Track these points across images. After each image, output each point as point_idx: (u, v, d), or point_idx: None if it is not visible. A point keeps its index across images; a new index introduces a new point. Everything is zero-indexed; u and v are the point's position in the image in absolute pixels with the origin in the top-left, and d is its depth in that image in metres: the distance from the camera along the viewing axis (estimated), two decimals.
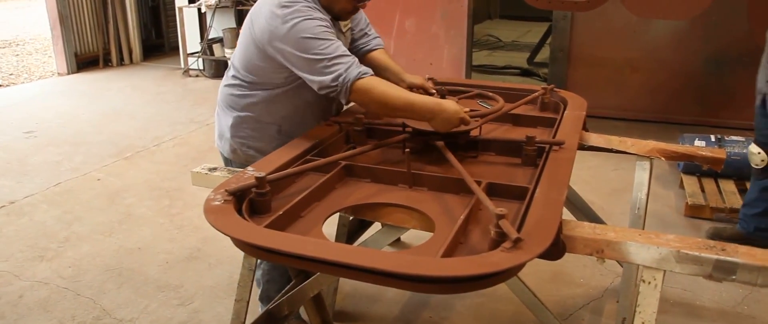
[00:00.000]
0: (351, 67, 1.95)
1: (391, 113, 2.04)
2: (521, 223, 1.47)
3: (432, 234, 1.53)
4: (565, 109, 2.39)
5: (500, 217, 1.36)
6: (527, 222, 1.44)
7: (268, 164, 1.81)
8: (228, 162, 2.36)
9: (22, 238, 3.52)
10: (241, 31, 2.23)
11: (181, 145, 5.14)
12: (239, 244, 1.45)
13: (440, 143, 1.95)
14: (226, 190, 1.59)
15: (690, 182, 3.94)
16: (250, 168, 1.80)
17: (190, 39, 7.77)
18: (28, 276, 3.12)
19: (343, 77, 1.93)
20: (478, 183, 1.69)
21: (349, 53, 1.99)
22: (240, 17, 7.57)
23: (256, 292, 2.52)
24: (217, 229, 1.43)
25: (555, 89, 2.56)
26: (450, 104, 1.96)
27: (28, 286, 3.02)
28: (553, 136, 2.07)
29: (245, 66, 2.19)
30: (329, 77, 1.94)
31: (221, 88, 2.34)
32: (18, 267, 3.20)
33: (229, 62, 2.32)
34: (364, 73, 1.95)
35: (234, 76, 2.26)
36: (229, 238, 1.45)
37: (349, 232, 2.65)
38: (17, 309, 2.84)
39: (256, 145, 2.26)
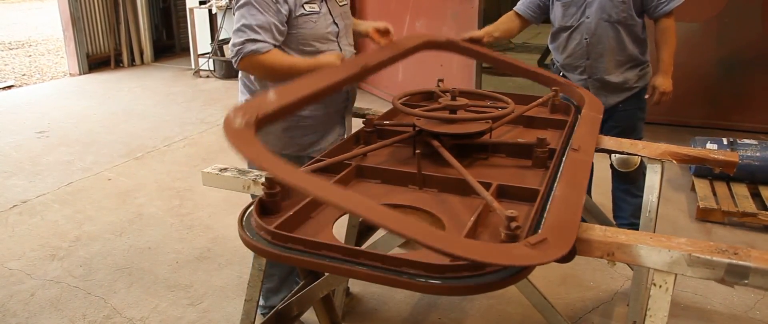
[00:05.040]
0: (253, 41, 2.12)
1: (281, 78, 2.13)
2: (532, 225, 1.46)
3: None
4: (576, 112, 2.38)
5: (511, 219, 1.36)
6: (548, 223, 1.43)
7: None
8: None
9: (34, 237, 3.55)
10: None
11: (192, 146, 5.16)
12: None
13: (435, 143, 1.94)
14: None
15: (701, 185, 3.91)
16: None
17: (201, 40, 7.81)
18: (39, 275, 3.14)
19: (238, 48, 2.13)
20: (489, 185, 1.69)
21: (271, 28, 2.14)
22: None
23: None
24: (239, 153, 1.35)
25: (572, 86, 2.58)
26: (326, 57, 2.12)
27: (39, 285, 3.04)
28: (566, 138, 2.06)
29: None
30: (232, 41, 2.16)
31: None
32: (30, 265, 3.23)
33: None
34: (258, 51, 2.13)
35: None
36: (239, 239, 1.46)
37: (359, 233, 2.64)
38: (29, 307, 2.86)
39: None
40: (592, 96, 2.52)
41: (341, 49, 2.37)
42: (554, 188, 1.65)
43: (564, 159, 1.90)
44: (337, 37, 2.35)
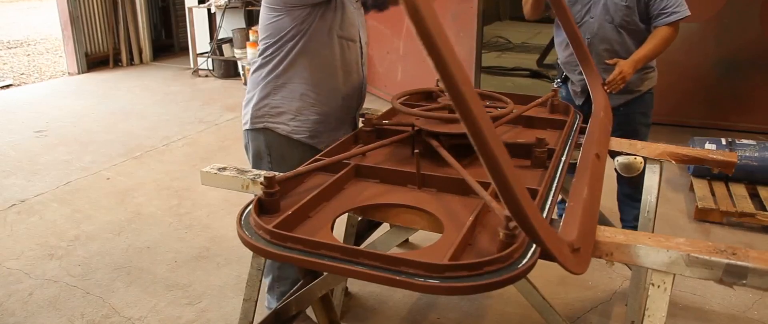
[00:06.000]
0: None
1: None
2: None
3: (441, 235, 1.53)
4: (576, 111, 2.38)
5: (509, 218, 1.36)
6: (580, 233, 1.43)
7: None
8: (247, 137, 2.45)
9: (33, 236, 3.54)
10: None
11: (190, 145, 5.16)
12: None
13: (434, 143, 1.94)
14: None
15: (700, 186, 3.91)
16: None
17: (200, 39, 7.81)
18: (38, 274, 3.13)
19: None
20: (488, 184, 1.69)
21: None
22: (249, 18, 7.60)
23: (264, 285, 2.53)
24: None
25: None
26: None
27: (37, 284, 3.04)
28: (565, 138, 2.06)
29: (263, 32, 2.33)
30: None
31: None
32: (28, 265, 3.22)
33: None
34: None
35: (258, 55, 2.39)
36: (238, 238, 1.45)
37: (358, 233, 2.64)
38: (27, 307, 2.86)
39: (275, 102, 2.35)
40: (606, 99, 2.52)
41: (361, 41, 2.45)
42: (582, 192, 1.63)
43: (577, 162, 1.90)
44: (359, 27, 2.44)
